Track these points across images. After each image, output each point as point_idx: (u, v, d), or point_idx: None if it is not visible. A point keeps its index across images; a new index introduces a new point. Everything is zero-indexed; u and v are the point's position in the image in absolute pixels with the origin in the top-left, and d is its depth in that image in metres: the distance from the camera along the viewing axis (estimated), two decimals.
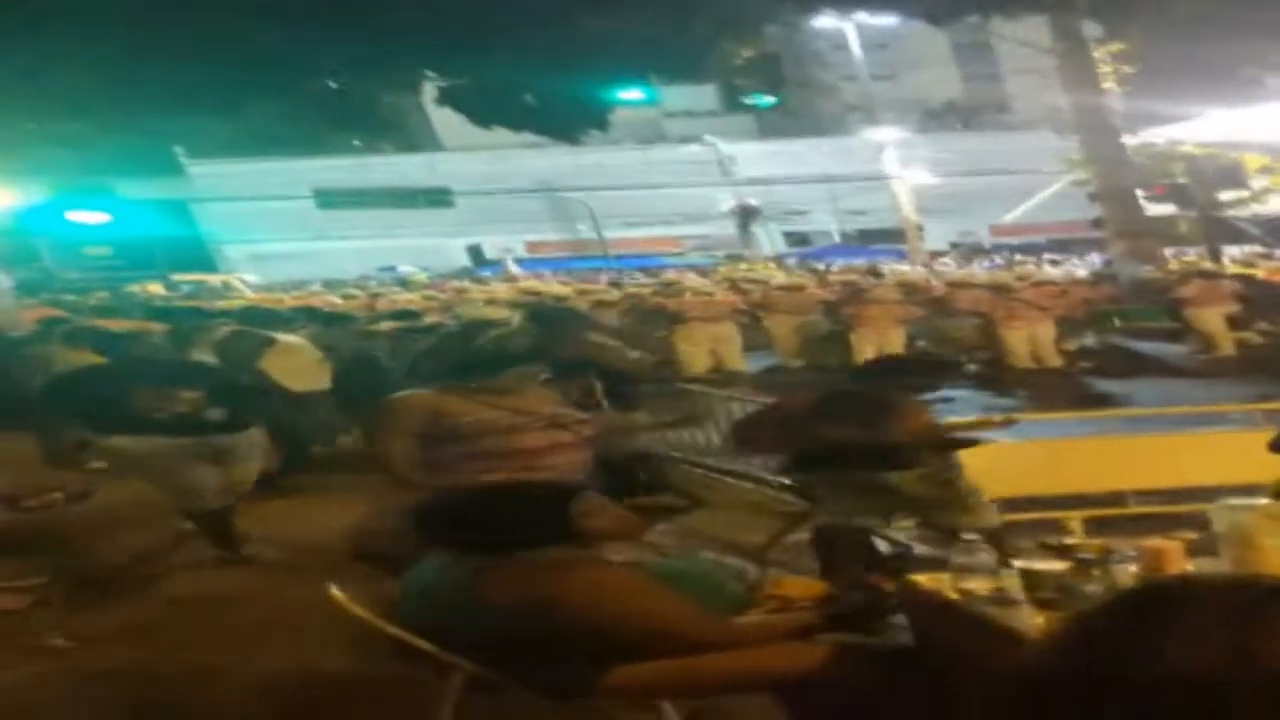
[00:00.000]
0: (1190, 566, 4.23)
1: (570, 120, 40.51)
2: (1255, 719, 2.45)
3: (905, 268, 37.11)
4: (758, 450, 7.47)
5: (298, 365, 12.07)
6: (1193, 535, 4.59)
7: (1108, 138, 31.40)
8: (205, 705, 5.70)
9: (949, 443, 6.96)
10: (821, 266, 44.87)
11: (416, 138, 64.45)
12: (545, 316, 11.09)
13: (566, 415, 6.61)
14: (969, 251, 53.79)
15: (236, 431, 8.78)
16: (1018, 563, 4.32)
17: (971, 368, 19.17)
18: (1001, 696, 2.76)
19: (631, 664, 4.23)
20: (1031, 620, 3.91)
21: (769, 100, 72.29)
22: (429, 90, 48.99)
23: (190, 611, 7.30)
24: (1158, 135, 37.28)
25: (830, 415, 6.68)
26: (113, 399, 8.62)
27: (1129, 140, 33.74)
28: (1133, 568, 4.29)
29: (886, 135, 54.69)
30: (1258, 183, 37.67)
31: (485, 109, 41.49)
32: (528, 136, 51.18)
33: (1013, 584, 4.20)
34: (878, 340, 20.02)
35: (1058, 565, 4.21)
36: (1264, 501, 4.54)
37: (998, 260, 46.54)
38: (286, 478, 11.07)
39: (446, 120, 55.42)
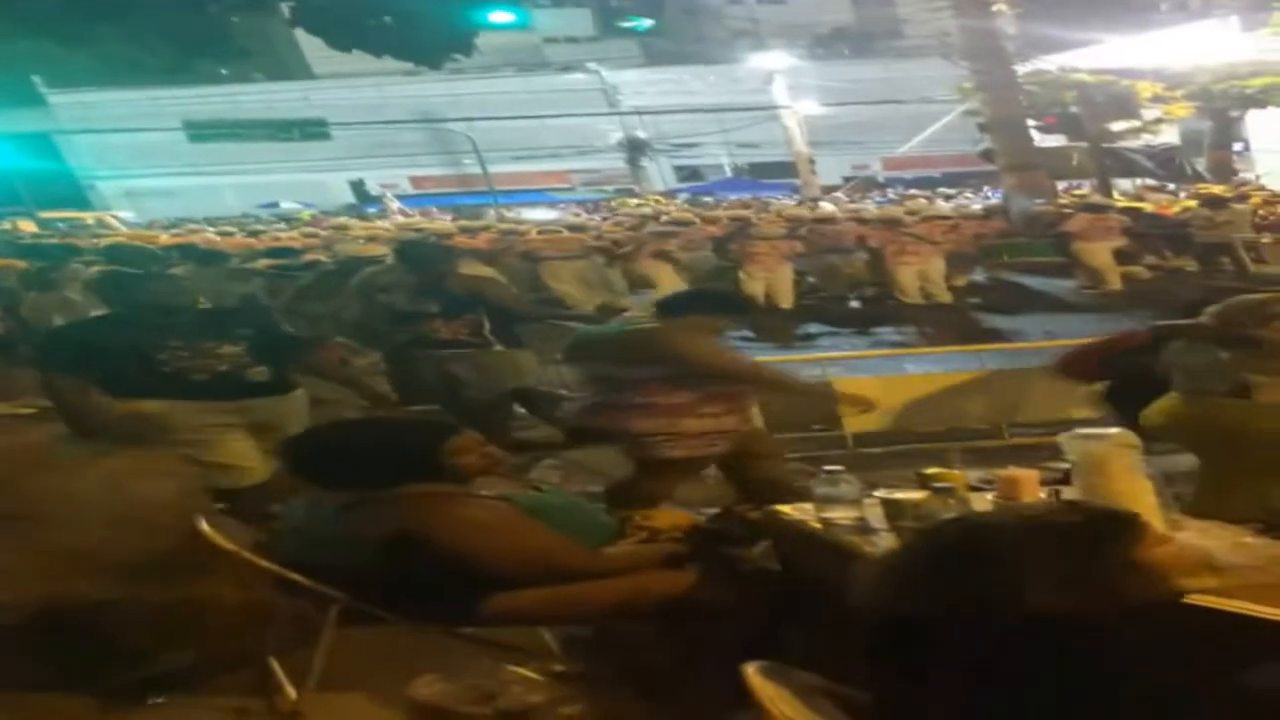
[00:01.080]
0: (1043, 494, 4.60)
1: (434, 44, 39.72)
2: (1098, 649, 2.80)
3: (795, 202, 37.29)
4: (1080, 379, 7.75)
5: None
6: (1062, 465, 4.92)
7: (999, 64, 31.30)
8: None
9: None
10: (712, 201, 45.10)
11: (287, 66, 63.58)
12: (414, 253, 11.10)
13: None
14: (862, 186, 54.18)
15: (282, 394, 7.69)
16: (879, 492, 4.66)
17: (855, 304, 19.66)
18: (851, 622, 3.11)
19: (507, 593, 4.54)
20: (891, 547, 4.23)
21: (647, 24, 72.12)
22: (285, 12, 48.25)
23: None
24: (1050, 62, 37.51)
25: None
26: (138, 355, 7.31)
27: (1020, 68, 33.98)
28: (990, 496, 4.66)
29: (775, 63, 54.80)
30: (1150, 112, 38.18)
31: (342, 31, 40.56)
32: (405, 65, 50.72)
33: (874, 513, 4.55)
34: (765, 277, 20.38)
35: (917, 495, 4.54)
36: (1114, 430, 4.89)
37: (890, 195, 46.89)
38: None
39: (317, 47, 54.80)
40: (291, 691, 4.87)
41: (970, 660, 2.68)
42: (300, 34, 53.02)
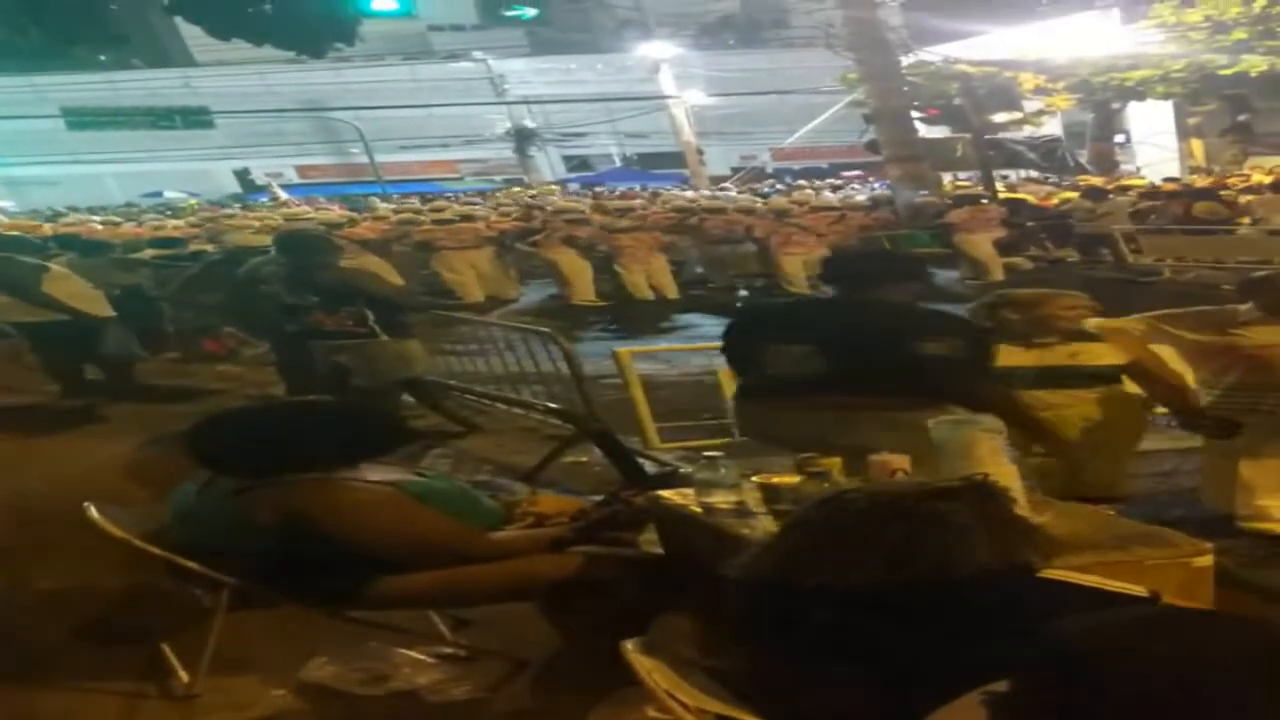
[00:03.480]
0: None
1: (316, 32, 38.97)
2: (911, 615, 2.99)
3: (690, 194, 37.31)
4: None
5: (79, 291, 11.97)
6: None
7: (883, 55, 31.66)
8: None
9: None
10: (603, 191, 45.05)
11: (168, 53, 62.71)
12: (290, 243, 11.09)
13: None
14: (750, 177, 54.38)
15: None
16: (756, 478, 4.85)
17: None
18: (728, 602, 3.28)
19: (397, 576, 4.68)
20: (767, 530, 4.41)
21: (531, 13, 72.02)
22: None
23: None
24: (934, 53, 37.87)
25: None
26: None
27: (905, 59, 34.29)
28: (859, 480, 4.87)
29: (662, 52, 55.05)
30: (1032, 104, 38.75)
31: (221, 18, 39.74)
32: (289, 53, 50.24)
33: (752, 497, 4.74)
34: (643, 269, 20.55)
35: (793, 479, 4.74)
36: (981, 416, 5.12)
37: (779, 185, 47.07)
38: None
39: (199, 34, 54.01)
40: (184, 675, 4.98)
41: (839, 631, 2.86)
42: (181, 21, 52.33)
